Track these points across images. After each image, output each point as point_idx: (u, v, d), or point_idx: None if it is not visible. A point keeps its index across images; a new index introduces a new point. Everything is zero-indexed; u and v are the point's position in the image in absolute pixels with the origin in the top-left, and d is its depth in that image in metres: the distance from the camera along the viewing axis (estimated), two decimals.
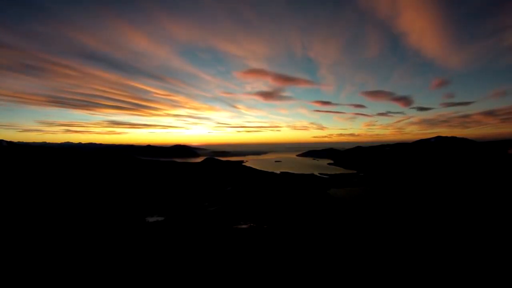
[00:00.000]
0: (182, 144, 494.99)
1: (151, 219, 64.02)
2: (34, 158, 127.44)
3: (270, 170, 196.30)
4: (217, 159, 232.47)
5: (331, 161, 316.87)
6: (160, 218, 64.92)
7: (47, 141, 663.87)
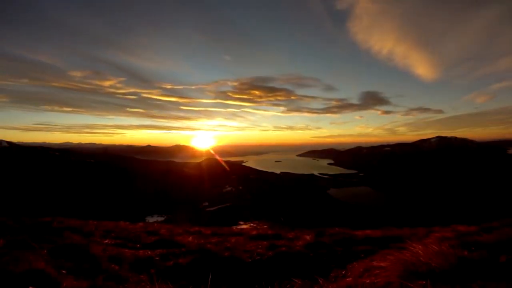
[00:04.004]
0: (181, 144, 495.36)
1: (151, 219, 63.96)
2: (35, 158, 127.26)
3: (270, 170, 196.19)
4: (217, 159, 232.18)
5: (331, 161, 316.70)
6: (160, 218, 64.95)
7: (47, 141, 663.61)
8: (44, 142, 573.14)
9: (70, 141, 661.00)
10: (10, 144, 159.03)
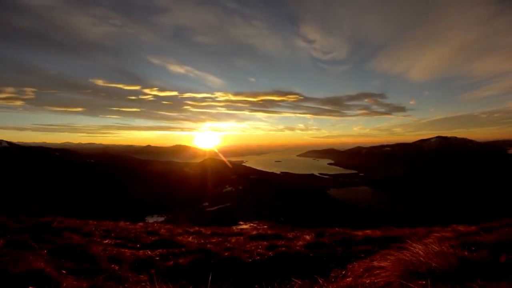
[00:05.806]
0: (182, 144, 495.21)
1: (151, 219, 63.88)
2: (35, 158, 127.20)
3: (270, 170, 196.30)
4: (217, 159, 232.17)
5: (331, 161, 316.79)
6: (160, 218, 64.90)
7: (47, 141, 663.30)
8: (44, 142, 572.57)
9: (70, 141, 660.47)
10: (10, 144, 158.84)
